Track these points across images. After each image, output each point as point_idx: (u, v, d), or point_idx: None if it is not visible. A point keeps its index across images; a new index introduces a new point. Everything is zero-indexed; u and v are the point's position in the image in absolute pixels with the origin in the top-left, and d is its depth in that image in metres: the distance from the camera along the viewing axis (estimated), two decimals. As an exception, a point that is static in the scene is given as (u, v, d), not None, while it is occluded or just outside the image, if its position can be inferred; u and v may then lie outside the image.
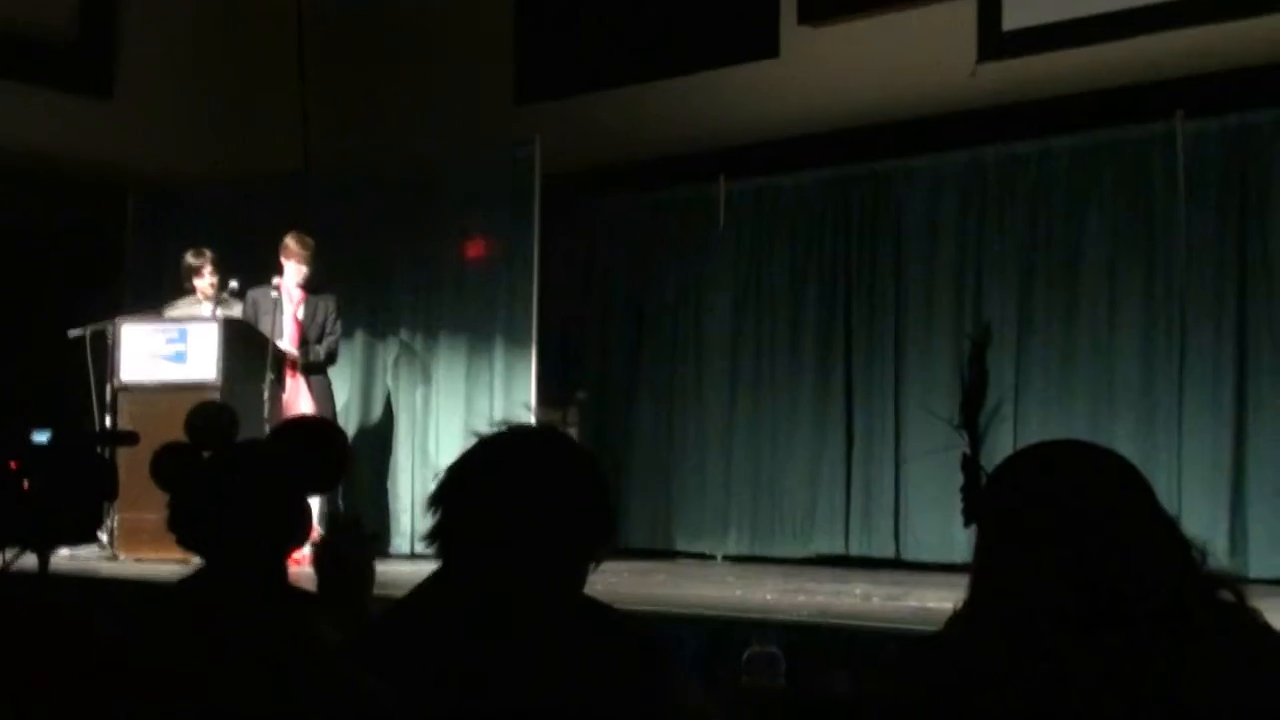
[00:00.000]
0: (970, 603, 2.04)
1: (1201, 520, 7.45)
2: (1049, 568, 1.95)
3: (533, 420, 2.36)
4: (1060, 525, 1.97)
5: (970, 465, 2.09)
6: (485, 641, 2.05)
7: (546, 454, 2.27)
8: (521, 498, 2.18)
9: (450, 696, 2.01)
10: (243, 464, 2.93)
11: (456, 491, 2.23)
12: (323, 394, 8.62)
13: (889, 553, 8.91)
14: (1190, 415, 7.97)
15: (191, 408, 2.96)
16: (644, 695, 2.06)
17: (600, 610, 2.15)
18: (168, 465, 2.82)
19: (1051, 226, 8.58)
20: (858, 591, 6.85)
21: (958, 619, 2.05)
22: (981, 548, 2.04)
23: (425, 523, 2.23)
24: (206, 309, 8.54)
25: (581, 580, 2.22)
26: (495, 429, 2.29)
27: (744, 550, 9.19)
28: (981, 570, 2.04)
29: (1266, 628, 1.95)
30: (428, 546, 2.23)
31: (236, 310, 8.49)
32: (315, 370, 8.59)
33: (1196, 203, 8.09)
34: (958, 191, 8.92)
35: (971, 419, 2.14)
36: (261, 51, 10.84)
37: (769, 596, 6.63)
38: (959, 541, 8.07)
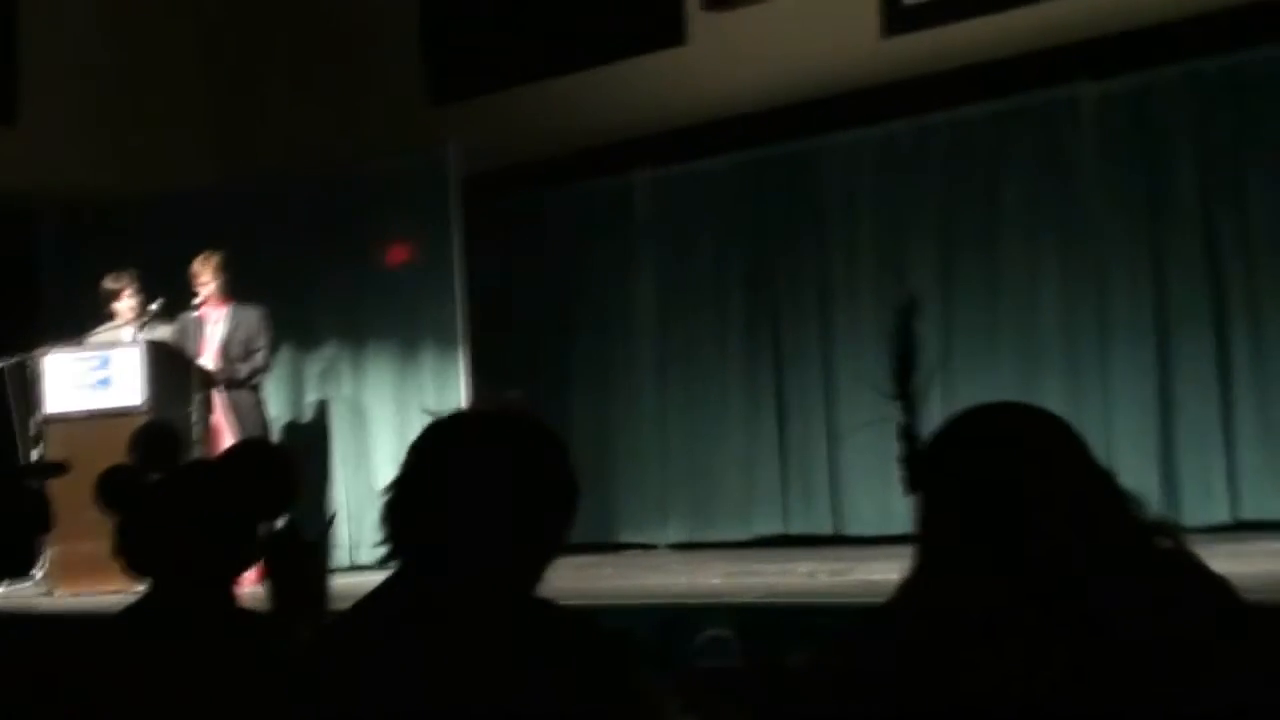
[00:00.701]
0: (916, 571, 2.06)
1: (1132, 474, 7.43)
2: (991, 528, 1.97)
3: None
4: (999, 485, 1.99)
5: (907, 434, 2.10)
6: (444, 646, 2.03)
7: (520, 438, 2.20)
8: (497, 486, 2.12)
9: (408, 707, 1.99)
10: (193, 487, 2.90)
11: (418, 488, 2.14)
12: (249, 411, 8.54)
13: (828, 529, 8.97)
14: (1115, 373, 8.08)
15: (135, 429, 2.93)
16: (608, 692, 2.06)
17: (555, 609, 2.13)
18: (114, 489, 2.78)
19: (968, 196, 8.66)
20: (803, 569, 6.88)
21: (905, 589, 2.06)
22: (923, 515, 2.06)
23: (367, 533, 2.19)
24: (129, 333, 8.43)
25: (541, 572, 2.16)
26: (446, 416, 2.19)
27: (686, 537, 9.22)
28: (926, 537, 2.06)
29: (1204, 568, 1.99)
30: (381, 550, 2.16)
31: (163, 331, 8.40)
32: (237, 386, 8.51)
33: (1107, 164, 8.19)
34: (874, 166, 8.98)
35: (904, 388, 2.15)
36: (168, 66, 10.70)
37: (716, 580, 6.65)
38: (898, 513, 8.12)
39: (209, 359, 8.42)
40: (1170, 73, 8.06)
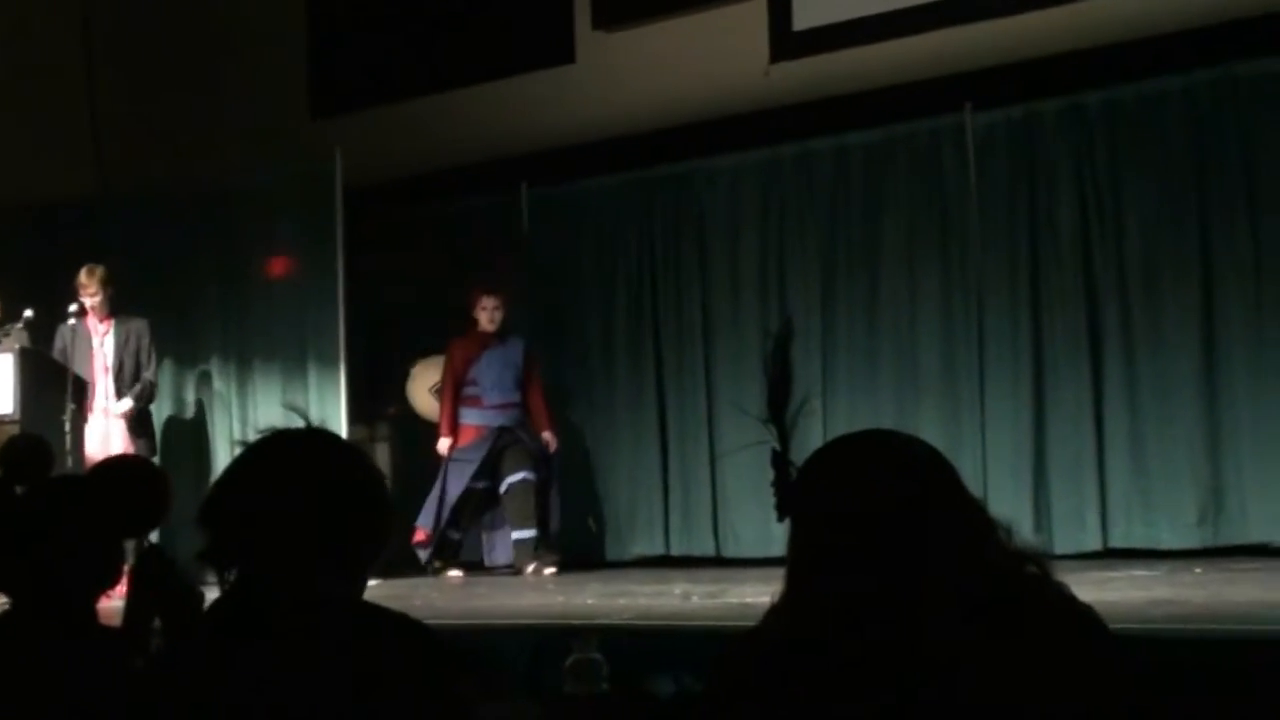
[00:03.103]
0: (786, 595, 2.06)
1: (1007, 501, 7.66)
2: (859, 555, 1.98)
3: (301, 424, 2.33)
4: (868, 512, 2.00)
5: (779, 460, 2.11)
6: (270, 656, 2.04)
7: (313, 453, 2.26)
8: (289, 500, 2.16)
9: (249, 713, 1.99)
10: (60, 501, 2.86)
11: (226, 501, 2.21)
12: (136, 426, 8.49)
13: (709, 551, 8.99)
14: (992, 401, 8.18)
15: (4, 441, 2.88)
16: (433, 699, 2.07)
17: (386, 615, 2.16)
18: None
19: (850, 221, 8.73)
20: (677, 591, 6.88)
21: (775, 611, 2.07)
22: (794, 541, 2.07)
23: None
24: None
25: (363, 582, 2.22)
26: (261, 434, 2.28)
27: (564, 558, 9.20)
28: (796, 563, 2.07)
29: (1072, 598, 2.01)
30: (202, 566, 2.21)
31: (26, 340, 8.26)
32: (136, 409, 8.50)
33: (988, 194, 8.30)
34: (758, 190, 9.04)
35: (778, 414, 2.16)
36: (49, 73, 10.50)
37: (590, 602, 6.63)
38: (777, 536, 8.10)
39: (98, 374, 8.36)
40: (1051, 105, 8.19)
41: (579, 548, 9.16)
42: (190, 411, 9.60)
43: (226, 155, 10.04)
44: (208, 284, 9.57)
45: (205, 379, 9.63)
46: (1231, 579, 6.31)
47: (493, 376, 8.77)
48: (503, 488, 8.70)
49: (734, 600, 6.18)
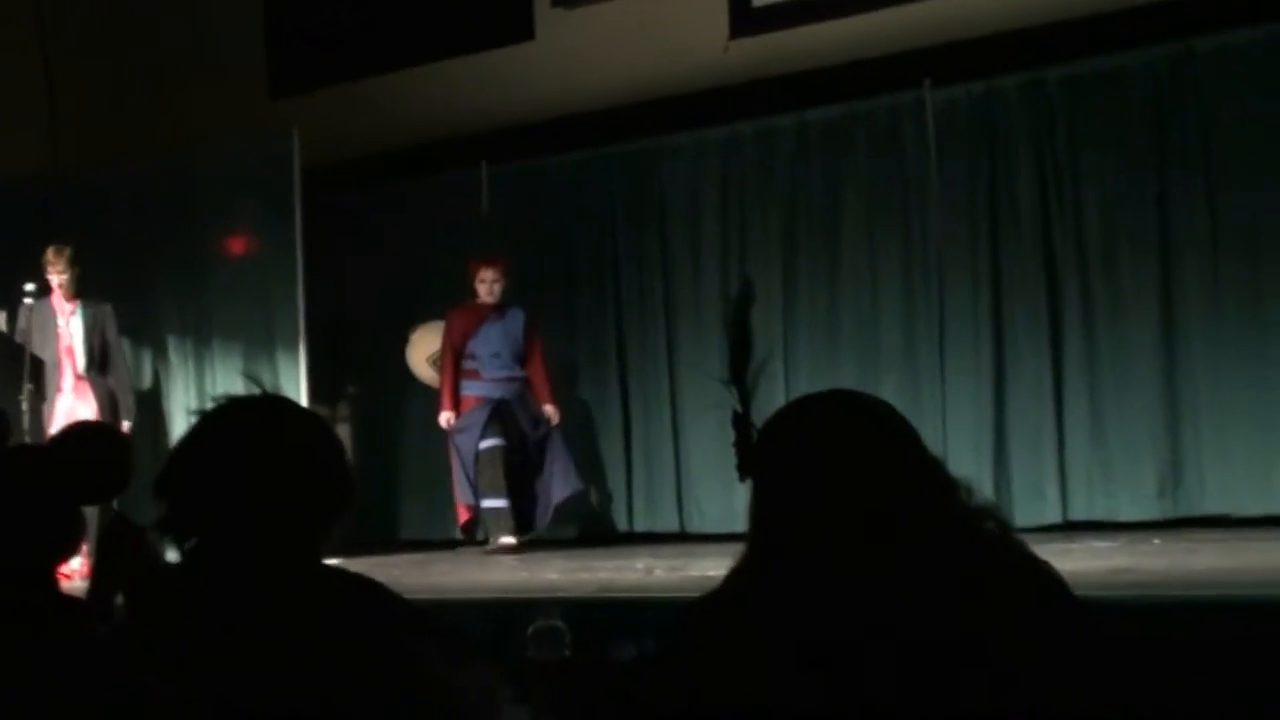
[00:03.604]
0: (747, 555, 2.06)
1: (967, 474, 7.58)
2: (821, 513, 1.98)
3: (256, 391, 2.32)
4: (831, 469, 2.00)
5: (740, 421, 2.12)
6: (232, 618, 2.03)
7: (268, 419, 2.25)
8: (244, 466, 2.16)
9: (211, 680, 1.98)
10: (17, 470, 2.84)
11: (182, 470, 2.20)
12: (105, 399, 8.49)
13: (673, 526, 9.00)
14: (952, 375, 8.21)
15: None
16: (395, 661, 2.06)
17: (346, 578, 2.15)
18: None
19: (811, 197, 8.74)
20: (640, 565, 6.89)
21: (736, 574, 2.07)
22: (756, 501, 2.07)
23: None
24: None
25: (323, 546, 2.21)
26: (215, 401, 2.26)
27: (527, 535, 9.19)
28: (757, 522, 2.07)
29: (1031, 555, 2.01)
30: (161, 536, 2.20)
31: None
32: (100, 374, 8.51)
33: (948, 169, 8.32)
34: (718, 166, 9.04)
35: (739, 375, 2.17)
36: (2, 52, 10.40)
37: (553, 576, 6.63)
38: (741, 512, 8.15)
39: (62, 354, 8.38)
40: (1011, 81, 8.21)
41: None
42: (148, 384, 9.53)
43: (185, 134, 9.97)
44: (166, 263, 9.50)
45: (163, 356, 9.57)
46: (1191, 549, 6.35)
47: (491, 349, 8.63)
48: (482, 445, 8.50)
49: (697, 573, 6.17)
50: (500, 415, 8.58)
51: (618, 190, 9.36)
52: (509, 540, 8.33)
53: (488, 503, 8.49)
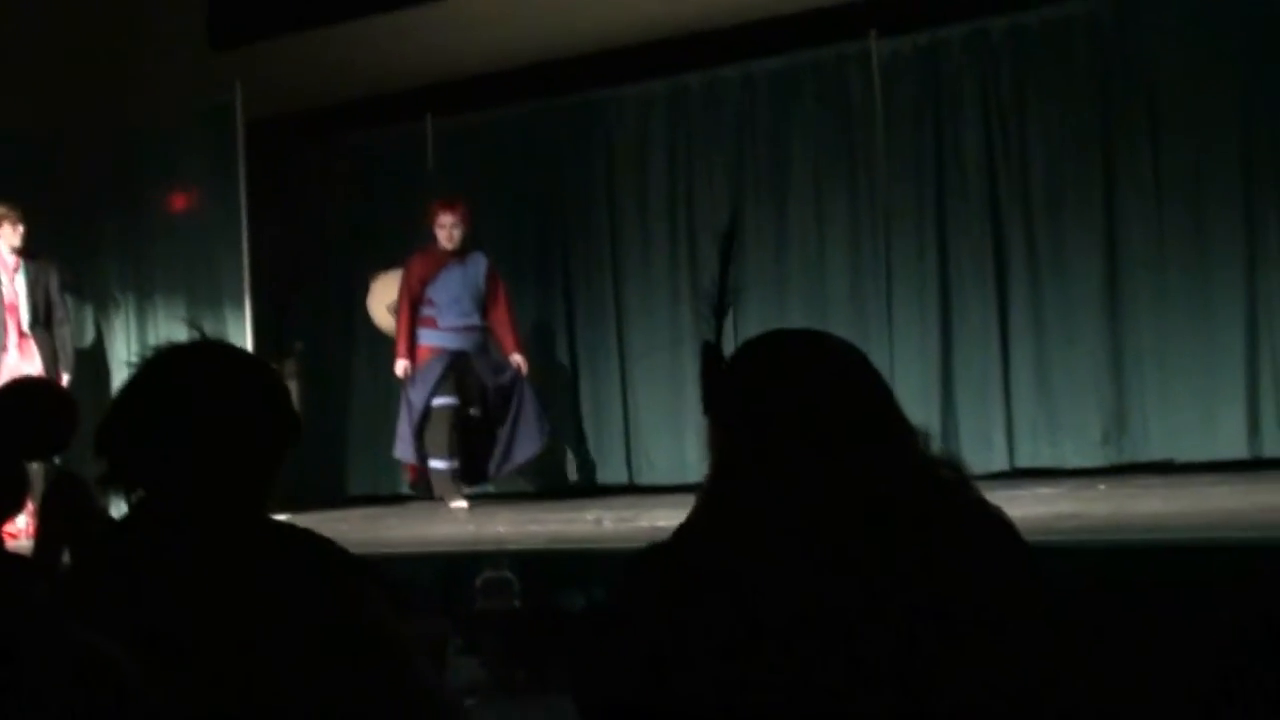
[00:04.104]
0: (707, 494, 2.04)
1: (914, 421, 7.71)
2: (781, 450, 1.97)
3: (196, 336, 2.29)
4: (799, 409, 1.99)
5: (711, 352, 2.09)
6: (176, 569, 2.01)
7: (206, 363, 2.21)
8: (183, 412, 2.12)
9: (157, 634, 1.96)
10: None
11: (123, 421, 2.16)
12: (51, 359, 8.45)
13: (622, 479, 9.02)
14: (899, 325, 8.25)
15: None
16: (342, 612, 2.05)
17: (290, 530, 2.13)
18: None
19: (758, 149, 8.74)
20: (590, 517, 6.90)
21: (689, 524, 2.05)
22: (718, 436, 2.04)
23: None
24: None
25: (267, 491, 2.18)
26: (153, 349, 2.22)
27: (475, 489, 9.18)
28: (721, 460, 2.04)
29: (984, 501, 2.02)
30: (104, 488, 2.16)
31: None
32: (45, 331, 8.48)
33: (894, 120, 8.34)
34: (665, 118, 9.02)
35: (721, 300, 2.14)
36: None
37: (501, 529, 6.63)
38: (690, 463, 8.21)
39: (6, 312, 8.34)
40: (956, 31, 8.22)
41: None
42: (91, 349, 9.45)
43: (125, 88, 9.83)
44: (109, 219, 9.41)
45: (106, 313, 9.49)
46: (1135, 494, 6.42)
47: (450, 296, 8.41)
48: (435, 402, 8.34)
49: (646, 524, 6.20)
50: (457, 370, 8.40)
51: (564, 143, 9.32)
52: (460, 504, 8.25)
53: (435, 463, 8.38)
